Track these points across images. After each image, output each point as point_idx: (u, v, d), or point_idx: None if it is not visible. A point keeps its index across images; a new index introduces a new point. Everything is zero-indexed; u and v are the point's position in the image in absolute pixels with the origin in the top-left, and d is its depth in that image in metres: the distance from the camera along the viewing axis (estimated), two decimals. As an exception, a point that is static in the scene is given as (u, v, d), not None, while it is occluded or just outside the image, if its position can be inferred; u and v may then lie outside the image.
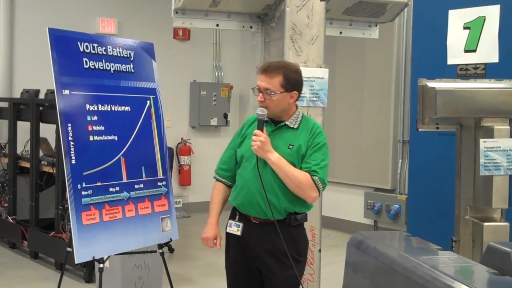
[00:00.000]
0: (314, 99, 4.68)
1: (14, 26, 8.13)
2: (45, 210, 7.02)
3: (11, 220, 7.20)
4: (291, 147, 3.32)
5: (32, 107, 6.90)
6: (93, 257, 3.63)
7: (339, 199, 8.54)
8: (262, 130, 3.29)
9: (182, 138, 9.69)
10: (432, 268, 1.98)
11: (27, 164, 7.16)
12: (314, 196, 3.30)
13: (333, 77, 8.52)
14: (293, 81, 3.33)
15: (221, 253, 7.14)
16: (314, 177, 3.27)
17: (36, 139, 6.93)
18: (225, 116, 9.88)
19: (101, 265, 3.84)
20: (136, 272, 5.48)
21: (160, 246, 4.19)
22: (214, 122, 9.83)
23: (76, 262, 3.60)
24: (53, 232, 6.47)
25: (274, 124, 3.39)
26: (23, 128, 7.30)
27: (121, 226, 3.81)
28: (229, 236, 3.48)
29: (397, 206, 7.78)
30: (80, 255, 3.58)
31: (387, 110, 8.09)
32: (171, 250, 7.26)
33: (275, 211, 3.29)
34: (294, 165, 3.29)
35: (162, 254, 4.20)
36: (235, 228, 3.41)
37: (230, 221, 3.46)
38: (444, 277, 1.91)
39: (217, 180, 3.58)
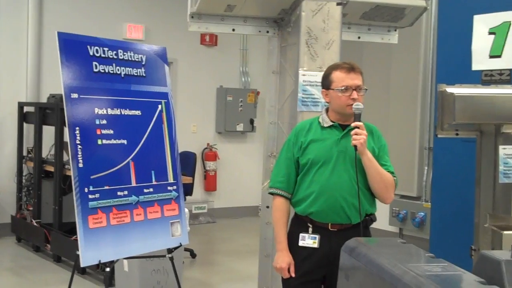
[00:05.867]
0: (331, 104, 4.62)
1: (42, 32, 8.24)
2: (68, 213, 7.06)
3: (35, 224, 7.29)
4: None
5: (56, 112, 6.97)
6: (99, 260, 3.64)
7: (364, 206, 8.46)
8: None
9: (208, 144, 9.71)
10: (419, 276, 1.92)
11: (51, 168, 7.24)
12: (393, 197, 3.31)
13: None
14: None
15: (243, 259, 7.06)
16: (395, 178, 3.30)
17: (60, 144, 6.99)
18: (251, 122, 9.86)
19: (107, 269, 3.85)
20: (155, 276, 5.47)
21: (170, 250, 4.18)
22: (240, 127, 9.80)
23: (81, 266, 3.62)
24: (75, 236, 6.50)
25: (341, 128, 3.29)
26: (49, 132, 7.37)
27: (129, 230, 3.81)
28: (299, 249, 3.24)
29: (423, 214, 7.66)
30: (86, 259, 3.59)
31: (413, 117, 7.97)
32: (193, 255, 7.26)
33: (358, 213, 3.18)
34: None
35: (171, 258, 4.19)
36: (311, 241, 3.19)
37: (302, 234, 3.23)
38: (429, 285, 1.85)
39: (277, 194, 3.29)
